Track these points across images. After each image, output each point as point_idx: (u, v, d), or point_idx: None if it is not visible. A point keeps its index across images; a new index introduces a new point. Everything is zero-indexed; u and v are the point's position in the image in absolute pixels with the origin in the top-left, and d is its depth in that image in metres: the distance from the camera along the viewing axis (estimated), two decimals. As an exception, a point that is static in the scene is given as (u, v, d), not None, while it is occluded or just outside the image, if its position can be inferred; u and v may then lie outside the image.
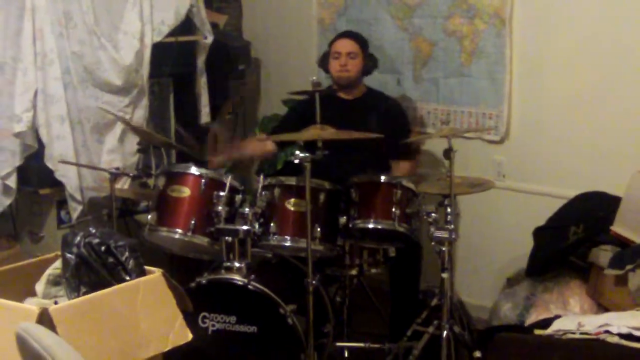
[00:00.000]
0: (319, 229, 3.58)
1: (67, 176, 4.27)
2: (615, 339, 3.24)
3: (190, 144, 4.46)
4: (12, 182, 4.18)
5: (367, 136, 3.74)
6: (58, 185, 4.30)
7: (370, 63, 4.33)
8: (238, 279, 3.46)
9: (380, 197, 3.70)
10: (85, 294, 2.72)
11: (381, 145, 4.15)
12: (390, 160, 4.32)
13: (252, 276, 3.47)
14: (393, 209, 3.65)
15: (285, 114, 4.72)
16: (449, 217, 3.51)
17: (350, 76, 4.27)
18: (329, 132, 3.53)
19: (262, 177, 3.72)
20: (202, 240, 3.60)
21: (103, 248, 2.80)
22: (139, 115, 4.52)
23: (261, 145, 4.39)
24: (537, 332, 3.57)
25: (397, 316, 4.12)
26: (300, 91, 3.98)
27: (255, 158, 4.77)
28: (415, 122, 4.71)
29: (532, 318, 3.83)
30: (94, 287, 2.73)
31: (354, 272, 3.90)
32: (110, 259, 2.80)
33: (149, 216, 3.67)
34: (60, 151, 4.22)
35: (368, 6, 4.88)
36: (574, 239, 3.84)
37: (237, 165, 5.13)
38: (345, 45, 4.27)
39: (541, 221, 4.07)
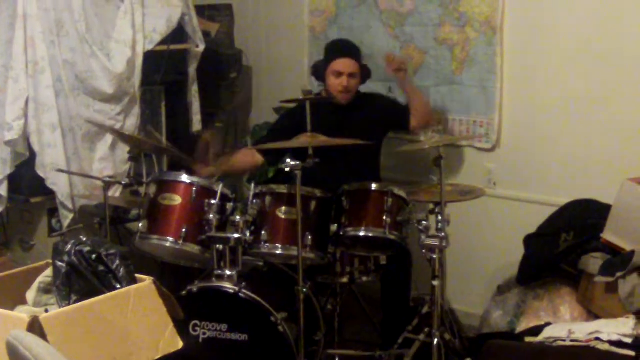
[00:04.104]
0: (310, 237, 3.59)
1: (58, 184, 4.26)
2: (605, 346, 3.25)
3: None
4: (3, 190, 4.18)
5: (355, 142, 3.73)
6: (49, 193, 4.29)
7: (365, 75, 4.30)
8: (229, 287, 3.46)
9: (371, 205, 3.71)
10: (76, 302, 2.71)
11: (372, 151, 4.16)
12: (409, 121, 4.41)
13: (243, 284, 3.47)
14: (384, 217, 3.66)
15: (274, 123, 4.67)
16: (439, 224, 3.52)
17: (352, 96, 4.25)
18: (320, 140, 3.53)
19: (253, 185, 3.72)
20: (193, 249, 3.60)
21: (94, 256, 2.80)
22: (131, 124, 4.52)
23: (249, 156, 4.31)
24: (528, 339, 3.58)
25: (388, 324, 4.13)
26: (291, 99, 3.98)
27: (245, 171, 4.72)
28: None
29: (522, 325, 3.84)
30: (84, 295, 2.73)
31: (345, 280, 3.91)
32: (101, 267, 2.80)
33: (140, 224, 3.67)
34: (51, 159, 4.22)
35: (360, 14, 4.90)
36: (564, 247, 3.85)
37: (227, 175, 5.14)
38: (348, 66, 4.20)
39: (532, 229, 4.08)
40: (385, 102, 4.51)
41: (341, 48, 4.37)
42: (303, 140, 3.52)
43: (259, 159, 4.26)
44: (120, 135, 4.26)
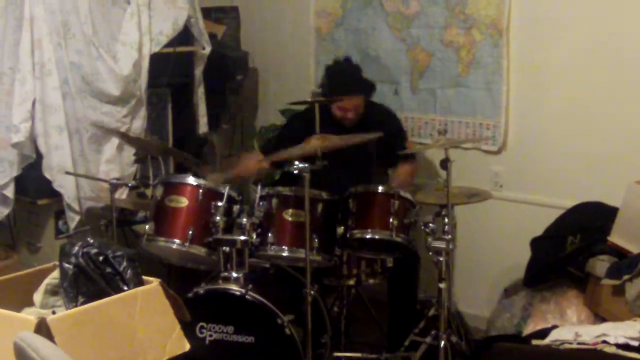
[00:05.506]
0: (316, 239, 3.58)
1: (65, 186, 4.27)
2: (612, 349, 3.24)
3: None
4: (9, 192, 4.18)
5: (365, 138, 3.73)
6: (56, 195, 4.30)
7: (369, 94, 4.25)
8: (235, 289, 3.46)
9: (378, 207, 3.70)
10: (83, 303, 2.71)
11: (378, 155, 4.15)
12: (390, 169, 4.33)
13: (250, 286, 3.47)
14: (390, 220, 3.65)
15: (282, 127, 4.65)
16: (446, 227, 3.51)
17: (354, 121, 4.19)
18: (329, 141, 3.52)
19: (259, 187, 3.71)
20: (200, 251, 3.60)
21: (101, 258, 2.80)
22: (137, 126, 4.52)
23: (253, 161, 4.29)
24: (535, 342, 3.57)
25: (395, 326, 4.12)
26: (299, 101, 3.97)
27: (250, 175, 4.67)
28: (413, 132, 4.72)
29: (529, 328, 3.83)
30: (91, 297, 2.73)
31: (351, 282, 3.90)
32: (108, 269, 2.80)
33: (147, 226, 3.66)
34: (58, 161, 4.22)
35: (366, 16, 4.90)
36: (571, 249, 3.85)
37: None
38: (354, 103, 4.12)
39: (538, 231, 4.07)
40: (389, 118, 4.43)
41: (346, 85, 4.18)
42: (312, 143, 3.50)
43: (264, 165, 4.25)
44: (126, 138, 4.26)
